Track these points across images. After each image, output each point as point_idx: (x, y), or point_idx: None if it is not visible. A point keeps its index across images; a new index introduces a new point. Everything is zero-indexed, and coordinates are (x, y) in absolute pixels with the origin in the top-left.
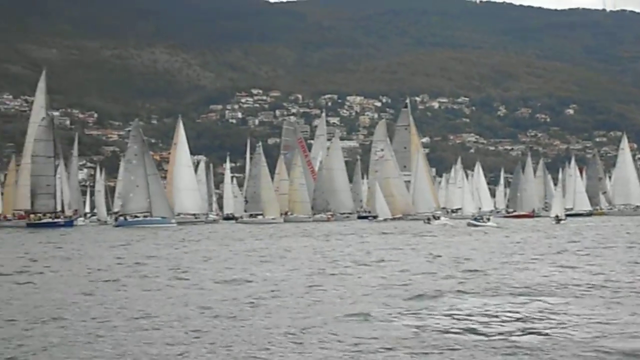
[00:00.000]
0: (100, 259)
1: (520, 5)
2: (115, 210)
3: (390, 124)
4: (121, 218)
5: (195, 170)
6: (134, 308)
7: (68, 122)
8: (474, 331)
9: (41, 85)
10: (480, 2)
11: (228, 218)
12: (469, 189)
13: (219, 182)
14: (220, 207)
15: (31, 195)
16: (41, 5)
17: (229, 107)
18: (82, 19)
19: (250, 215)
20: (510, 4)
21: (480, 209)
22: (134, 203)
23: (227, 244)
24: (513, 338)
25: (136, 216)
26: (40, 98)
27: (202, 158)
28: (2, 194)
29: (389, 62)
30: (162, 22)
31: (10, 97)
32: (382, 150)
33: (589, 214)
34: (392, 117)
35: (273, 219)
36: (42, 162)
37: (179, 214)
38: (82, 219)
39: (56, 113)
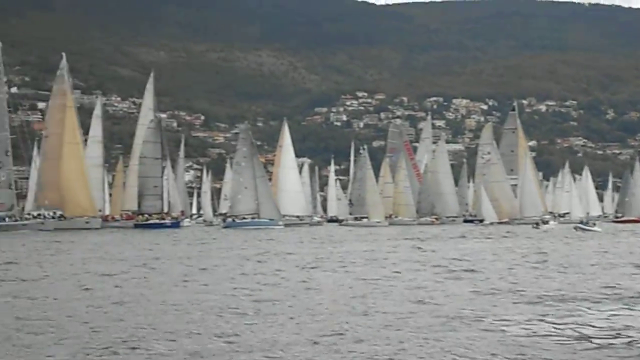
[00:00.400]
0: (207, 259)
1: (630, 8)
2: (222, 211)
3: (496, 127)
4: (229, 219)
5: (300, 173)
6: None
7: (175, 124)
8: (584, 339)
9: (149, 87)
10: (589, 4)
11: (332, 220)
12: (576, 193)
13: (323, 184)
14: (324, 210)
15: (138, 196)
16: (150, 9)
17: (334, 109)
18: (189, 23)
19: (355, 218)
20: (619, 6)
21: (588, 213)
22: (243, 204)
23: (333, 246)
24: (623, 346)
25: (244, 218)
26: (148, 100)
27: (307, 160)
28: (110, 194)
29: (495, 65)
30: (269, 26)
31: (119, 99)
32: (488, 153)
33: None
34: (498, 120)
35: (378, 222)
36: (150, 164)
37: (283, 216)
38: (188, 220)
39: (163, 115)
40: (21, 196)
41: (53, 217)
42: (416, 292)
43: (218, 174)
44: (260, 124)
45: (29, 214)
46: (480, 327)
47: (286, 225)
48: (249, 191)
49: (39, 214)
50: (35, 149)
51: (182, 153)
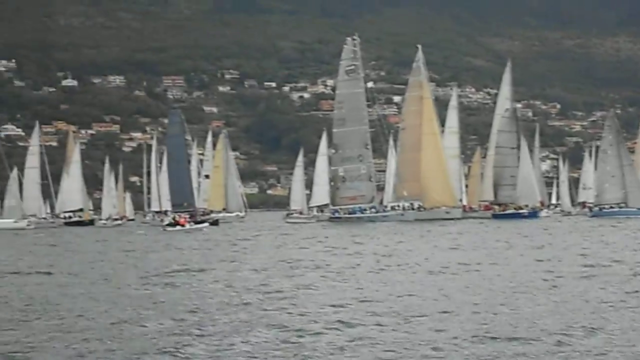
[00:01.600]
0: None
1: None
2: (580, 200)
3: None
4: (596, 208)
5: None
6: None
7: (530, 114)
8: None
9: (506, 76)
10: None
11: None
12: None
13: None
14: None
15: (494, 186)
16: None
17: None
18: (543, 10)
19: None
20: None
21: None
22: (609, 193)
23: None
24: None
25: (611, 207)
26: (505, 90)
27: None
28: (466, 185)
29: None
30: (625, 10)
31: (473, 90)
32: None
33: None
34: None
35: None
36: (506, 153)
37: None
38: (546, 210)
39: (519, 105)
40: (379, 188)
41: (412, 208)
42: None
43: (575, 162)
44: (618, 111)
45: (386, 205)
46: None
47: None
48: (616, 180)
49: (397, 205)
50: (391, 141)
51: (537, 142)
